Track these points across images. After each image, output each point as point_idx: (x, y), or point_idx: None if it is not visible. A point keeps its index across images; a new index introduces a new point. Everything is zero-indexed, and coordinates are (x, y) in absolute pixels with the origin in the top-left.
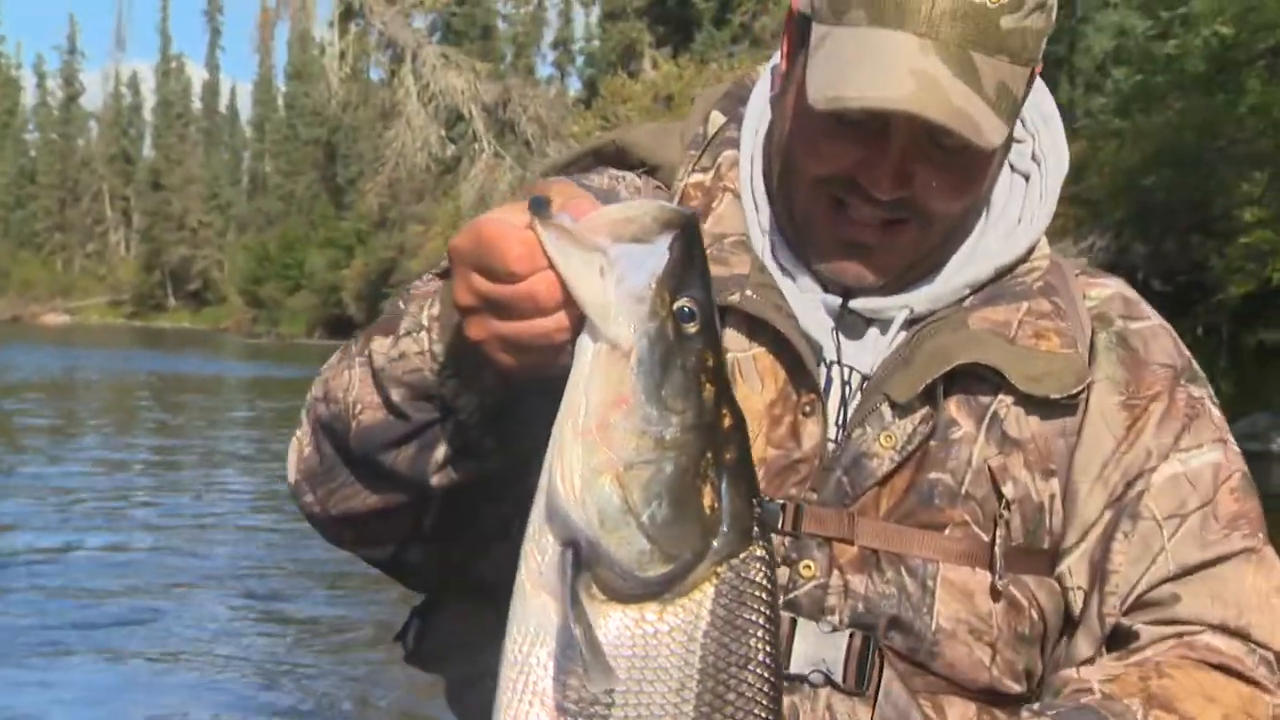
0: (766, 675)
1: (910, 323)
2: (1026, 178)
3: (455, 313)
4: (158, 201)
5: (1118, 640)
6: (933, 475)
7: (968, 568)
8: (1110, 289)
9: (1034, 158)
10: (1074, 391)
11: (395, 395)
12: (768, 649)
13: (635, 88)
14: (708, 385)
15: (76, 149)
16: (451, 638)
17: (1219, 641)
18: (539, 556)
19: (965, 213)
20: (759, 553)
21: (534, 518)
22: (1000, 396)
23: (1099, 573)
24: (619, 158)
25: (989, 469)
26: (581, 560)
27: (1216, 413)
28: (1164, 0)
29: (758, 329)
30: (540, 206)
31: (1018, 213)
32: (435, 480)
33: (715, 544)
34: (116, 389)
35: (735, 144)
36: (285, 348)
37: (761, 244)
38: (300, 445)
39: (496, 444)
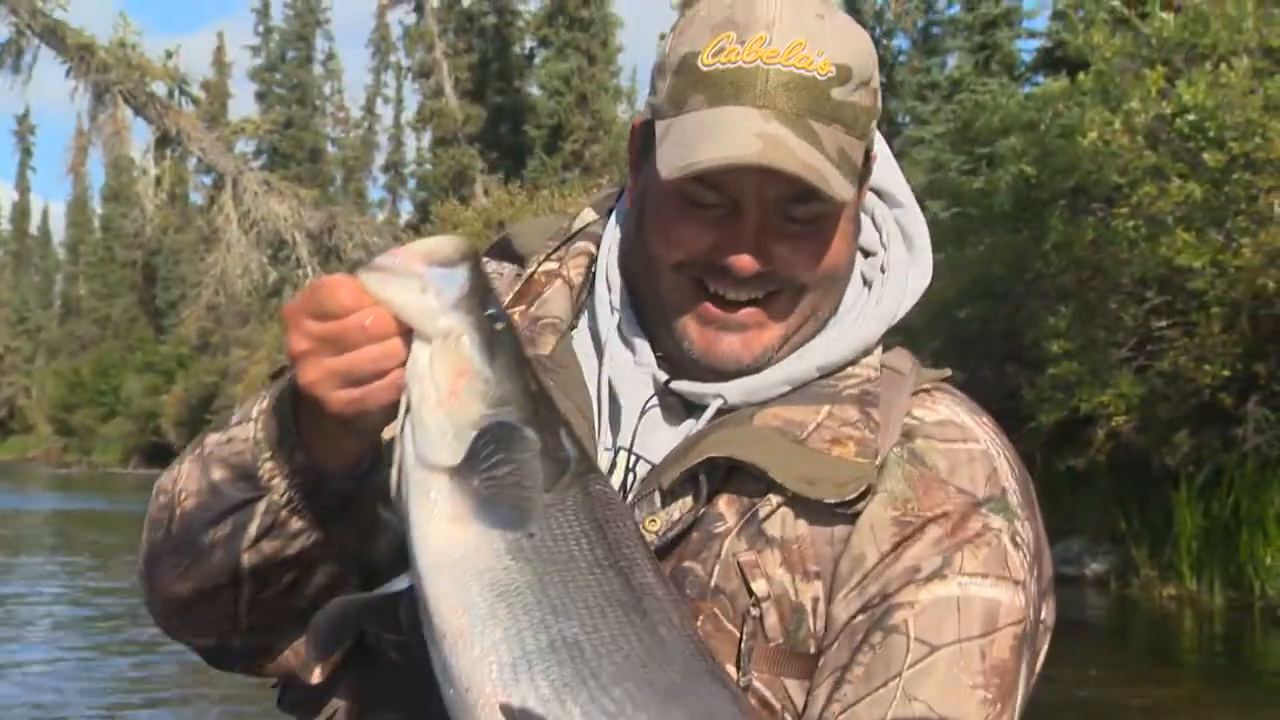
0: (638, 539)
1: (726, 412)
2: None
3: (276, 403)
4: None
5: None
6: (686, 564)
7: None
8: (940, 415)
9: (883, 269)
10: (849, 498)
11: (217, 475)
12: (635, 525)
13: (467, 213)
14: (526, 367)
15: None
16: (306, 691)
17: None
18: (430, 501)
19: (830, 288)
20: (599, 474)
21: (411, 490)
22: (769, 495)
23: (836, 681)
24: (505, 248)
25: (738, 564)
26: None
27: (1017, 555)
28: (972, 138)
29: None
30: (359, 262)
31: (855, 318)
32: (246, 557)
33: (572, 466)
34: None
35: (595, 237)
36: (98, 478)
37: (608, 321)
38: (141, 543)
39: (303, 525)
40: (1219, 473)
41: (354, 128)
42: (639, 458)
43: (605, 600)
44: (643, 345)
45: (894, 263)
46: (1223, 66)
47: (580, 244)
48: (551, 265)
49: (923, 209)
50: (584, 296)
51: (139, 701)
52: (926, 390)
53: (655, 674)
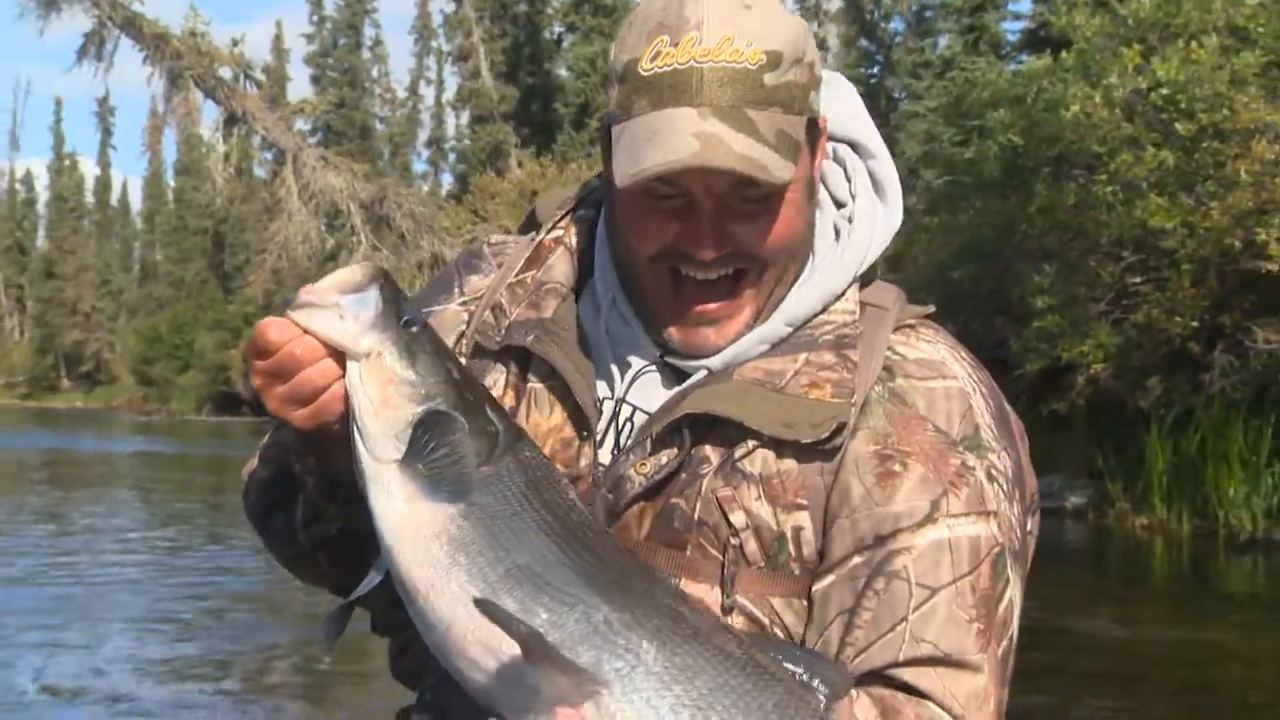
0: (570, 495)
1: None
2: None
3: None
4: (51, 289)
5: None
6: (673, 501)
7: (706, 585)
8: (921, 351)
9: (850, 220)
10: (824, 435)
11: (266, 472)
12: (563, 480)
13: (503, 184)
14: (446, 358)
15: None
16: (388, 622)
17: None
18: (386, 491)
19: (793, 256)
20: (527, 440)
21: (369, 484)
22: (748, 440)
23: (846, 624)
24: (532, 218)
25: (716, 499)
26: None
27: (992, 488)
28: (963, 112)
29: (551, 366)
30: (287, 301)
31: (823, 271)
32: (301, 537)
33: (501, 438)
34: (10, 464)
35: (597, 204)
36: (175, 424)
37: (604, 293)
38: None
39: (336, 511)
40: (1188, 414)
41: (399, 107)
42: (635, 408)
43: (548, 534)
44: (635, 321)
45: (860, 214)
46: (1194, 44)
47: (583, 211)
48: (559, 232)
49: (918, 178)
50: (585, 260)
51: (214, 610)
52: (911, 326)
53: (601, 574)
